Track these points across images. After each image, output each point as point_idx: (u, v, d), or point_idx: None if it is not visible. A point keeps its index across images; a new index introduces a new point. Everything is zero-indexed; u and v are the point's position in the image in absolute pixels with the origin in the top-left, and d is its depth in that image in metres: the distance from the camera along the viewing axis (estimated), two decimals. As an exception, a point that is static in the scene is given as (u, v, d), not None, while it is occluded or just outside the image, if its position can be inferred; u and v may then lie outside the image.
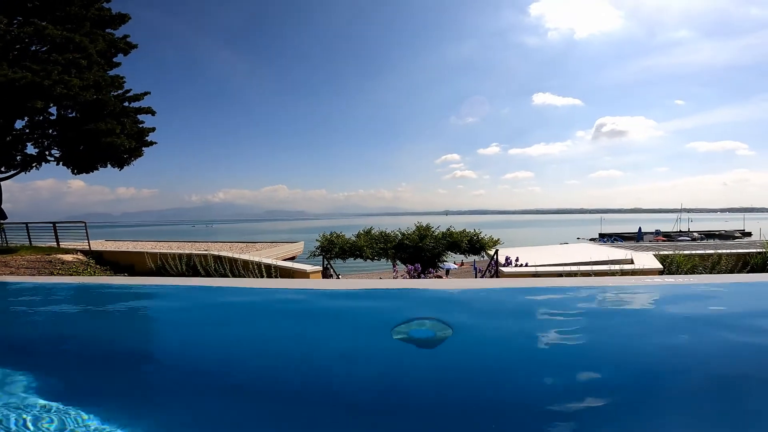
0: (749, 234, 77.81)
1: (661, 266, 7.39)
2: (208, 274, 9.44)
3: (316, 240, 13.08)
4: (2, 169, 13.16)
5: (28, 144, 13.57)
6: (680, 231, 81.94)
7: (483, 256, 13.84)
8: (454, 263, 32.24)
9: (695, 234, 76.20)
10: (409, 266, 8.28)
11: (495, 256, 8.27)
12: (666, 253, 9.08)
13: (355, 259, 12.76)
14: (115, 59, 13.24)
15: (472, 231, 13.10)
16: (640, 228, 73.41)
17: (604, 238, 69.87)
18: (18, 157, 13.56)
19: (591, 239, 73.10)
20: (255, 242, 16.04)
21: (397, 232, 13.32)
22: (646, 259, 7.91)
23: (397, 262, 13.17)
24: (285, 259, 13.77)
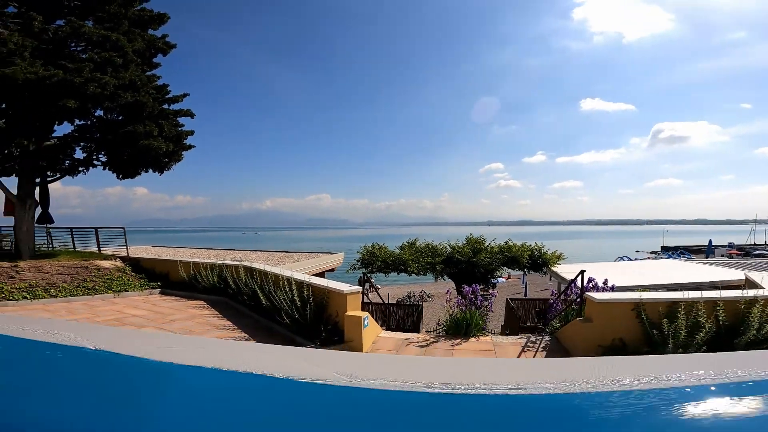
0: (841, 249, 68.72)
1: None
2: (238, 288, 8.66)
3: (357, 252, 12.06)
4: (48, 172, 13.32)
5: (77, 148, 13.66)
6: (755, 244, 73.95)
7: (545, 273, 12.19)
8: (501, 276, 30.27)
9: (774, 247, 68.46)
10: (466, 287, 6.94)
11: (580, 278, 6.73)
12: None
13: (398, 274, 11.59)
14: (155, 60, 13.08)
15: (534, 245, 11.51)
16: (710, 241, 66.64)
17: (669, 251, 64.21)
18: (66, 162, 13.69)
19: (652, 252, 67.56)
20: (294, 252, 15.32)
21: (446, 245, 11.98)
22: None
23: (444, 277, 11.86)
24: (324, 271, 12.91)
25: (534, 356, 6.01)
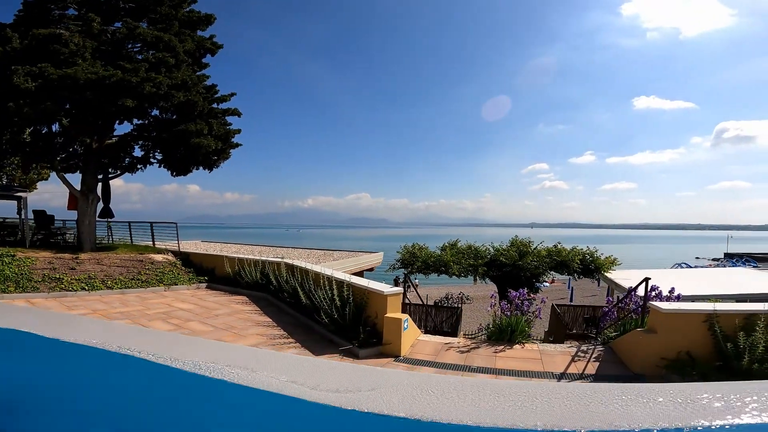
0: None
1: None
2: (279, 285, 8.79)
3: (397, 252, 11.92)
4: (110, 169, 14.25)
5: (135, 147, 14.52)
6: (842, 253, 66.52)
7: (596, 279, 11.46)
8: (546, 281, 29.10)
9: None
10: (512, 292, 6.59)
11: (644, 286, 6.19)
12: None
13: (438, 275, 11.32)
14: (203, 60, 13.64)
15: (586, 249, 10.84)
16: (782, 248, 60.61)
17: (733, 258, 59.17)
18: (126, 159, 14.59)
19: (714, 259, 62.51)
20: (334, 250, 15.46)
21: (489, 247, 11.56)
22: None
23: (486, 280, 11.44)
24: (363, 270, 12.90)
25: (585, 367, 5.61)
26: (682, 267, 35.87)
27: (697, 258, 65.06)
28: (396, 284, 10.65)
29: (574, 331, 9.86)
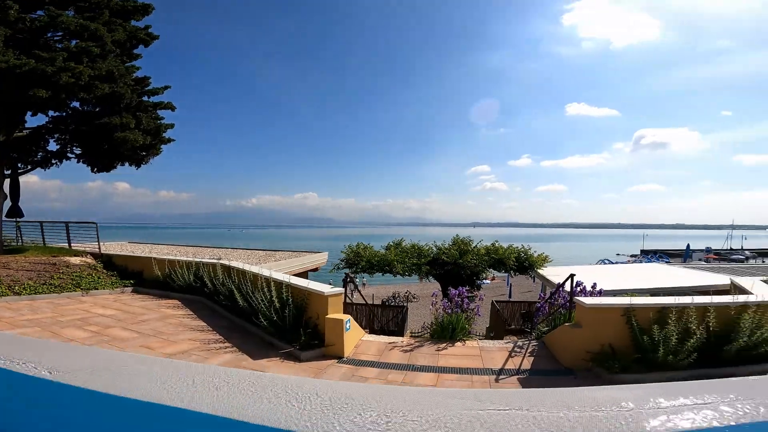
0: (810, 255, 71.43)
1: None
2: (215, 287, 8.29)
3: (342, 252, 11.76)
4: (20, 164, 12.67)
5: (51, 140, 13.05)
6: (731, 249, 76.41)
7: (531, 276, 12.09)
8: (486, 278, 30.34)
9: (748, 252, 70.81)
10: (452, 290, 6.72)
11: (570, 282, 6.54)
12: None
13: (383, 275, 11.33)
14: (136, 51, 12.52)
15: (521, 247, 11.39)
16: (688, 245, 68.76)
17: (648, 255, 65.77)
18: (39, 154, 13.06)
19: (632, 255, 69.05)
20: (277, 250, 14.90)
21: (432, 246, 11.78)
22: (764, 288, 6.08)
23: (430, 278, 11.66)
24: (307, 271, 12.56)
25: (521, 363, 5.85)
26: (605, 263, 39.19)
27: (617, 255, 71.48)
28: (344, 284, 10.49)
29: (513, 327, 10.31)
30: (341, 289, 6.44)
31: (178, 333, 6.64)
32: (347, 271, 11.02)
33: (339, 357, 5.83)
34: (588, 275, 8.45)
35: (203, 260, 9.68)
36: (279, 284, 6.56)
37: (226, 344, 6.23)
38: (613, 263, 36.36)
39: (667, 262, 29.65)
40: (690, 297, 5.29)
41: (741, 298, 5.22)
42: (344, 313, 6.39)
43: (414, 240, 12.77)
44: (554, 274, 10.65)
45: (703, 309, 5.09)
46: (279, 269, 9.84)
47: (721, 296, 5.65)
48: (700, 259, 53.70)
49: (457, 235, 11.96)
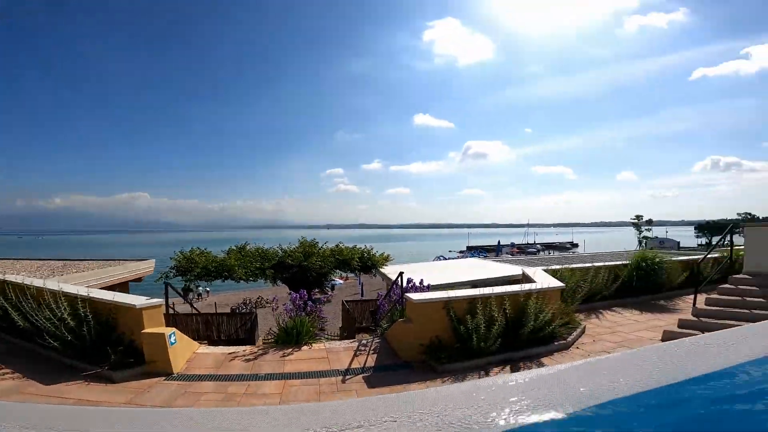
0: (576, 245, 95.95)
1: (561, 284, 7.23)
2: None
3: (171, 258, 10.43)
4: None
5: None
6: (528, 243, 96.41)
7: (374, 275, 12.84)
8: (340, 278, 31.10)
9: (538, 246, 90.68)
10: (292, 293, 6.63)
11: (399, 279, 7.11)
12: (555, 267, 9.25)
13: (223, 281, 10.50)
14: None
15: (364, 247, 11.98)
16: (499, 241, 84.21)
17: (472, 250, 77.71)
18: None
19: (460, 252, 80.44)
20: (83, 260, 12.20)
21: (277, 249, 11.46)
22: (543, 277, 7.74)
23: (278, 282, 11.33)
24: (127, 281, 10.69)
25: (366, 360, 6.08)
26: (440, 259, 44.59)
27: (449, 251, 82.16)
28: (186, 294, 9.25)
29: (364, 325, 10.76)
30: (159, 300, 5.74)
31: None
32: (183, 279, 9.85)
33: (168, 374, 5.23)
34: (422, 272, 9.41)
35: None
36: (73, 299, 5.47)
37: (5, 370, 5.12)
38: (446, 259, 41.58)
39: (484, 257, 35.41)
40: (491, 288, 6.29)
41: (527, 287, 6.44)
42: (180, 324, 5.72)
43: (268, 243, 12.27)
44: (394, 272, 11.54)
45: (501, 298, 6.05)
46: (82, 282, 8.19)
47: (513, 285, 6.90)
48: (507, 253, 65.94)
49: (302, 237, 11.91)
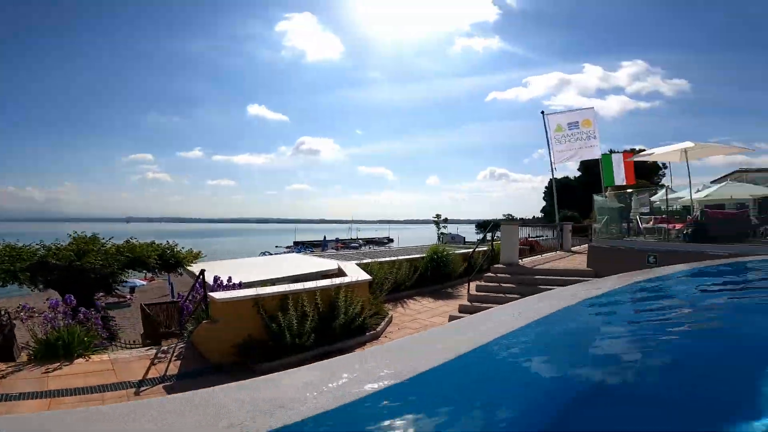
0: (392, 240, 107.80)
1: (369, 276, 7.97)
2: None
3: None
4: None
5: None
6: (352, 239, 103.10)
7: (181, 274, 11.54)
8: (144, 279, 26.73)
9: (361, 241, 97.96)
10: (52, 300, 5.41)
11: (200, 277, 6.54)
12: (366, 261, 10.15)
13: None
14: None
15: (166, 243, 10.61)
16: (325, 237, 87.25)
17: (298, 246, 78.10)
18: None
19: (287, 247, 79.90)
20: None
21: (39, 246, 9.09)
22: (353, 270, 8.38)
23: (41, 286, 9.01)
24: None
25: (167, 368, 5.51)
26: (266, 254, 43.25)
27: (276, 247, 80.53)
28: None
29: (173, 329, 9.50)
30: None
31: None
32: None
33: None
34: (239, 269, 8.95)
35: None
36: None
37: None
38: (272, 254, 40.62)
39: (311, 252, 36.03)
40: (302, 283, 6.46)
41: (337, 281, 6.87)
42: None
43: (37, 239, 9.55)
44: (208, 270, 10.65)
45: (313, 293, 6.28)
46: None
47: (325, 280, 7.26)
48: (333, 248, 68.83)
49: (75, 232, 9.76)
